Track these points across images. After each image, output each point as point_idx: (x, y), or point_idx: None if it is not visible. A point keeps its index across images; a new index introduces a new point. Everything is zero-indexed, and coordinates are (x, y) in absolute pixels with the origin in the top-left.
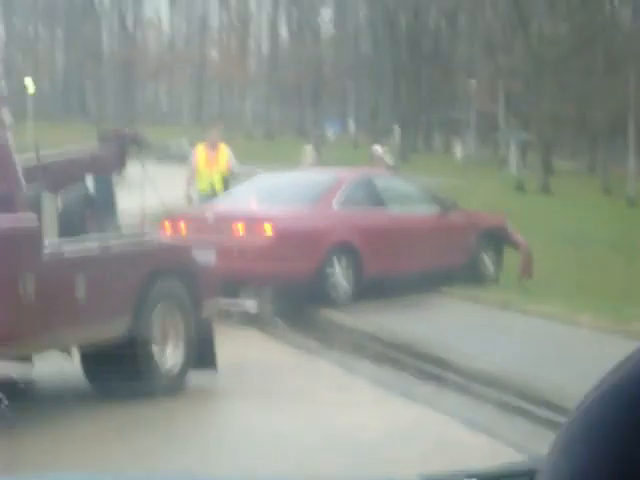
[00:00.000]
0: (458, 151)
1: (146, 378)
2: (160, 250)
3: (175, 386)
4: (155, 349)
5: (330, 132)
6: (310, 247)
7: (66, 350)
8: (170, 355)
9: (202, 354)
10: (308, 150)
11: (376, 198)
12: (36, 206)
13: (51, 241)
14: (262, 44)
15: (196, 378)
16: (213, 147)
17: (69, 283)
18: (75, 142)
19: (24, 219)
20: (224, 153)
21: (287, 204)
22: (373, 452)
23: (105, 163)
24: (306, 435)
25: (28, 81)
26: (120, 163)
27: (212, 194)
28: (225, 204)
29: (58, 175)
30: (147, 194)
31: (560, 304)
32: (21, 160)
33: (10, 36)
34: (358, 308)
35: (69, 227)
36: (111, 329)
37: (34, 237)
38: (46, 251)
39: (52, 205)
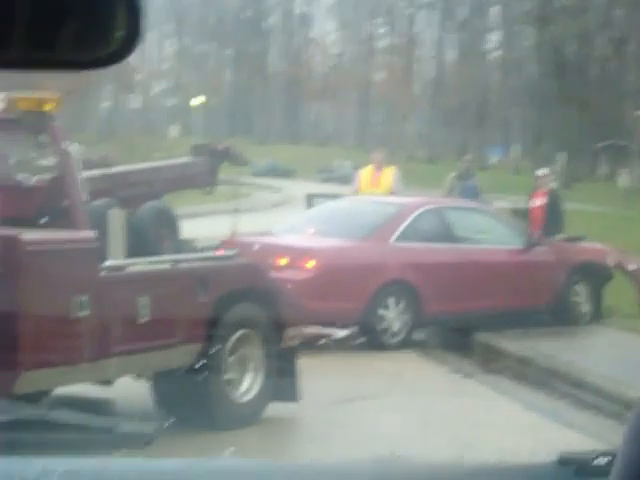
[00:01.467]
0: (622, 180)
1: (217, 410)
2: (236, 271)
3: (249, 419)
4: (228, 380)
5: (493, 157)
6: (358, 285)
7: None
8: (246, 387)
9: (282, 386)
10: (449, 178)
11: (445, 231)
12: (101, 223)
13: (113, 260)
14: (427, 67)
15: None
16: (378, 170)
17: (129, 305)
18: None
19: (80, 236)
20: (388, 176)
21: (342, 236)
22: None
23: (194, 178)
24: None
25: (197, 99)
26: (210, 179)
27: None
28: (280, 233)
29: (136, 190)
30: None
31: None
32: (93, 174)
33: (181, 55)
34: (514, 333)
35: (141, 245)
36: (178, 357)
37: (89, 255)
38: (104, 271)
39: (119, 222)
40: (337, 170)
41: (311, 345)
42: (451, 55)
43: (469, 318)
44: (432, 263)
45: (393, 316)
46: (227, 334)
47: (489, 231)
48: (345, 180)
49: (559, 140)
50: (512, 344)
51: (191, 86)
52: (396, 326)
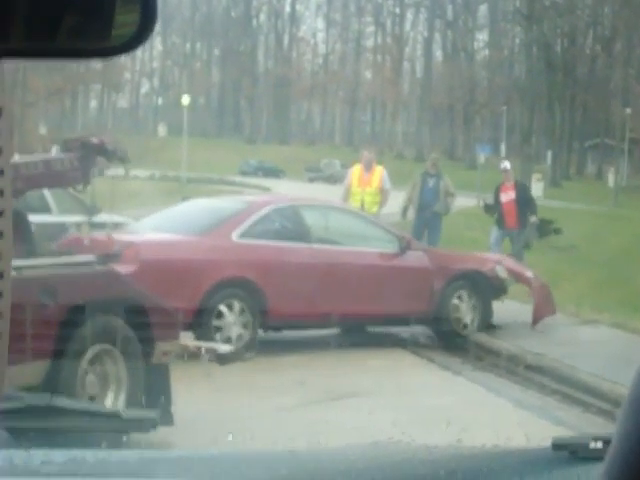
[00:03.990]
0: (611, 178)
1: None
2: (93, 280)
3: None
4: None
5: (481, 156)
6: (190, 282)
7: None
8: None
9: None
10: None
11: (300, 231)
12: None
13: None
14: (416, 66)
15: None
16: (368, 168)
17: None
18: (226, 158)
19: None
20: (378, 174)
21: (181, 232)
22: None
23: (61, 176)
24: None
25: (184, 97)
26: (81, 176)
27: None
28: (124, 230)
29: None
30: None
31: None
32: None
33: (168, 53)
34: (502, 332)
35: None
36: (24, 375)
37: None
38: None
39: None
40: (325, 169)
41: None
42: (439, 54)
43: (328, 323)
44: (282, 263)
45: (232, 320)
46: (82, 349)
47: (354, 233)
48: (333, 179)
49: (548, 138)
50: (500, 342)
51: (180, 85)
52: (235, 331)
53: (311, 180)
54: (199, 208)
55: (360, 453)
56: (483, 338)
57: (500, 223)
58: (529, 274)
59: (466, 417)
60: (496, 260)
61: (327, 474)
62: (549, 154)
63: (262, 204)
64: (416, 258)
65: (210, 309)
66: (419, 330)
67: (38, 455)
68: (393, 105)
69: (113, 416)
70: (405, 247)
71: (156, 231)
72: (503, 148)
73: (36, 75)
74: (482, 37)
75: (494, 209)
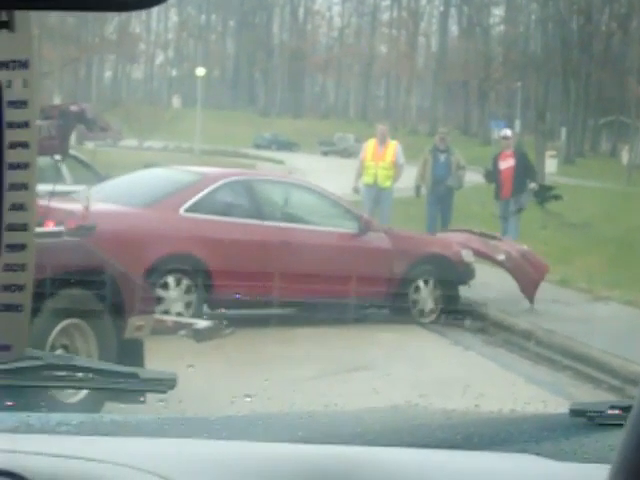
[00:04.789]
0: (625, 156)
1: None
2: (60, 251)
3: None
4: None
5: (496, 132)
6: (132, 256)
7: None
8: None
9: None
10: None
11: (254, 207)
12: None
13: None
14: (431, 41)
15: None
16: (382, 143)
17: None
18: (240, 130)
19: None
20: (391, 149)
21: (126, 203)
22: None
23: (42, 144)
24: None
25: (199, 70)
26: (60, 145)
27: (375, 187)
28: (70, 198)
29: None
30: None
31: None
32: None
33: (183, 24)
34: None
35: None
36: None
37: None
38: None
39: None
40: (339, 143)
41: (166, 334)
42: (454, 29)
43: (279, 302)
44: (231, 240)
45: (176, 295)
46: (50, 324)
47: (312, 211)
48: (347, 153)
49: (562, 115)
50: (512, 318)
51: (194, 57)
52: (177, 308)
53: (324, 154)
54: (151, 178)
55: (378, 416)
56: (494, 314)
57: (498, 191)
58: (500, 256)
59: (481, 387)
60: (462, 242)
61: (344, 436)
62: (563, 131)
63: (215, 177)
64: (376, 239)
65: (152, 285)
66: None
67: (55, 416)
68: (408, 80)
69: (131, 376)
70: (365, 227)
71: (103, 201)
72: (517, 124)
73: (51, 45)
74: (498, 12)
75: (493, 176)
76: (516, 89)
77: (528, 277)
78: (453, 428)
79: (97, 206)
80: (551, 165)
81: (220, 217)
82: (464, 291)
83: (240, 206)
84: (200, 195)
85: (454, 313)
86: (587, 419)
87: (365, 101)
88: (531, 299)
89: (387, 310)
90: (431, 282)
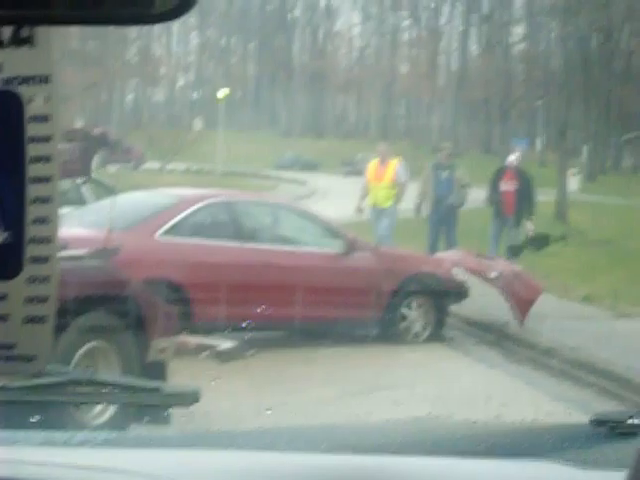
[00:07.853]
0: None
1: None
2: (84, 274)
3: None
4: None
5: (518, 150)
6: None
7: None
8: (100, 408)
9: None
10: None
11: (235, 229)
12: None
13: None
14: (451, 60)
15: None
16: (383, 162)
17: None
18: (262, 151)
19: None
20: (391, 168)
21: (101, 227)
22: None
23: (64, 167)
24: None
25: (221, 91)
26: (82, 169)
27: (376, 208)
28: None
29: None
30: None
31: None
32: None
33: (204, 47)
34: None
35: None
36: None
37: None
38: None
39: None
40: (360, 163)
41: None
42: (475, 48)
43: (261, 326)
44: (210, 264)
45: None
46: (74, 346)
47: (294, 232)
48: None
49: (584, 132)
50: (536, 336)
51: (215, 79)
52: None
53: (346, 174)
54: (128, 202)
55: (401, 427)
56: (518, 331)
57: (497, 212)
58: (493, 274)
59: (504, 401)
60: (456, 261)
61: (368, 447)
62: (585, 148)
63: (194, 200)
64: (362, 259)
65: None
66: (452, 322)
67: (81, 433)
68: (429, 99)
69: (154, 390)
70: (350, 247)
71: (78, 225)
72: (539, 142)
73: (73, 68)
74: (518, 31)
75: (492, 197)
76: (537, 107)
77: (519, 297)
78: (476, 438)
79: (70, 231)
80: (573, 183)
81: (198, 240)
82: (486, 308)
83: (219, 228)
84: (177, 218)
85: (444, 331)
86: (609, 429)
87: (386, 121)
88: (521, 320)
89: (375, 329)
90: (420, 301)
